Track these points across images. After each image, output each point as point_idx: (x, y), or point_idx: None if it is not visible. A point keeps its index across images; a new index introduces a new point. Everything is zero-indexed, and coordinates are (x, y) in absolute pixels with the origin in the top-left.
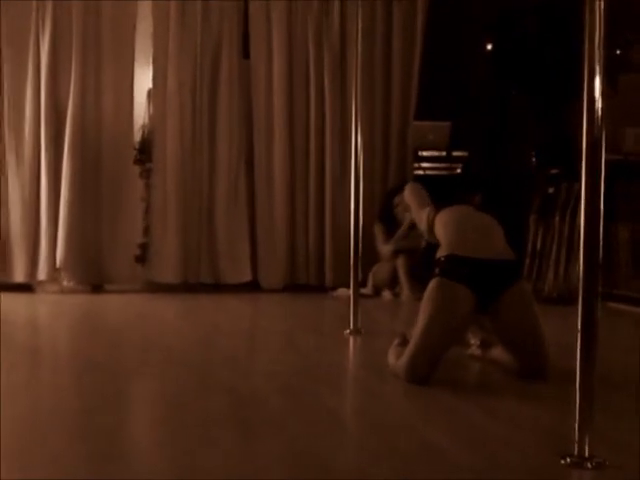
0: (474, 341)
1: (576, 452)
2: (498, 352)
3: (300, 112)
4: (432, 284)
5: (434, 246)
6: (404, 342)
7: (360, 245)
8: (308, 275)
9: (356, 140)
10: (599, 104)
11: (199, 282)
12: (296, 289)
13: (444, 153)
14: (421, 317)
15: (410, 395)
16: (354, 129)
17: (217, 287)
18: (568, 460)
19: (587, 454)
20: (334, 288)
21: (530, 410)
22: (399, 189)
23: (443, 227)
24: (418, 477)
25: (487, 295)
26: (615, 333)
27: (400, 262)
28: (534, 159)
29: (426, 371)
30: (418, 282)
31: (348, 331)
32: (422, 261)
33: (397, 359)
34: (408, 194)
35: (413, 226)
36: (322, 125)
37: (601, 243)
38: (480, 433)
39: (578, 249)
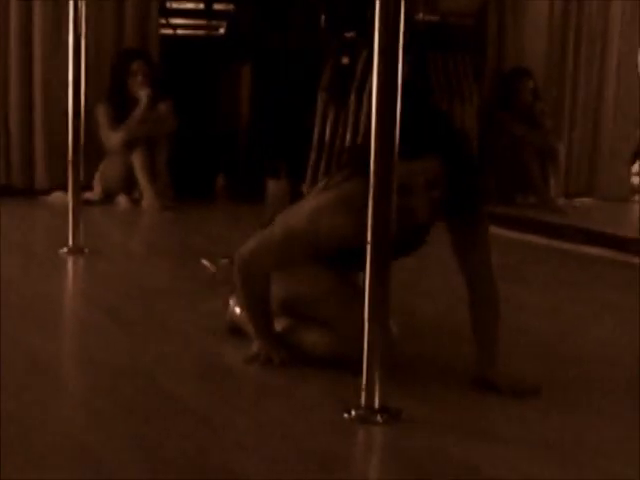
0: None
1: (364, 403)
2: None
3: None
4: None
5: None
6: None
7: (82, 133)
8: (10, 174)
9: None
10: None
11: None
12: None
13: (202, 6)
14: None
15: (147, 338)
16: None
17: None
18: (353, 414)
19: (377, 405)
20: (47, 192)
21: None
22: (139, 52)
23: None
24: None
25: None
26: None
27: (137, 157)
28: (324, 17)
29: (270, 269)
30: (168, 183)
31: (66, 250)
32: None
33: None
34: None
35: (153, 105)
36: None
37: (397, 127)
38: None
39: None
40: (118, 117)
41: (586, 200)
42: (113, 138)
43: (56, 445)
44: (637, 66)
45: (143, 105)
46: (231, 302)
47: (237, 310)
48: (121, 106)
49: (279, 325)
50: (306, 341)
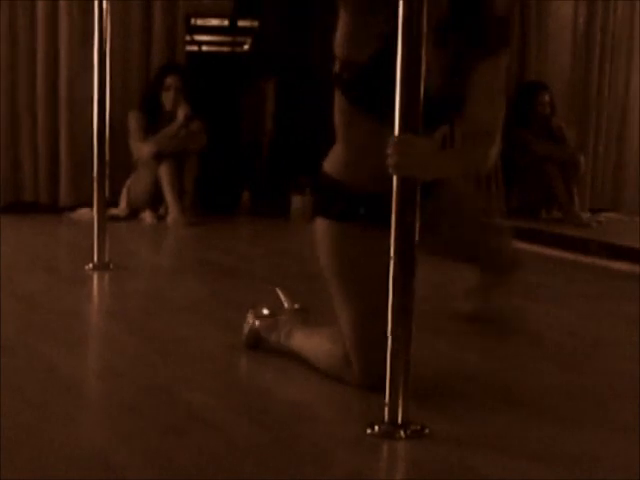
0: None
1: (387, 419)
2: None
3: None
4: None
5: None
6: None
7: (108, 149)
8: (37, 190)
9: (100, 1)
10: None
11: None
12: (19, 209)
13: (227, 22)
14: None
15: (169, 353)
16: None
17: None
18: (376, 429)
19: (400, 421)
20: (73, 208)
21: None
22: (176, 67)
23: None
24: (179, 456)
25: None
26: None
27: (164, 171)
28: None
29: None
30: (194, 199)
31: (91, 266)
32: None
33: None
34: None
35: (188, 122)
36: None
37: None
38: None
39: None
40: (148, 128)
41: (611, 215)
42: (143, 149)
43: (78, 459)
44: None
45: (179, 122)
46: (250, 316)
47: (257, 322)
48: (152, 117)
49: (293, 338)
50: (312, 354)
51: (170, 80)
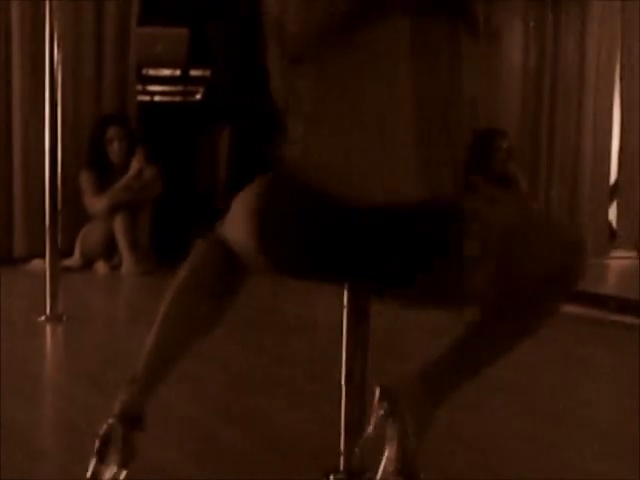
0: None
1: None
2: None
3: None
4: None
5: None
6: None
7: (59, 200)
8: None
9: (51, 52)
10: None
11: None
12: None
13: (179, 72)
14: None
15: None
16: (48, 35)
17: None
18: (331, 479)
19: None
20: (27, 259)
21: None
22: (115, 118)
23: None
24: None
25: None
26: None
27: (119, 222)
28: None
29: None
30: (148, 249)
31: (44, 317)
32: None
33: None
34: None
35: (140, 174)
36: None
37: None
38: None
39: None
40: (101, 183)
41: None
42: (97, 203)
43: None
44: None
45: (132, 174)
46: None
47: None
48: (103, 172)
49: None
50: None
51: (112, 132)
